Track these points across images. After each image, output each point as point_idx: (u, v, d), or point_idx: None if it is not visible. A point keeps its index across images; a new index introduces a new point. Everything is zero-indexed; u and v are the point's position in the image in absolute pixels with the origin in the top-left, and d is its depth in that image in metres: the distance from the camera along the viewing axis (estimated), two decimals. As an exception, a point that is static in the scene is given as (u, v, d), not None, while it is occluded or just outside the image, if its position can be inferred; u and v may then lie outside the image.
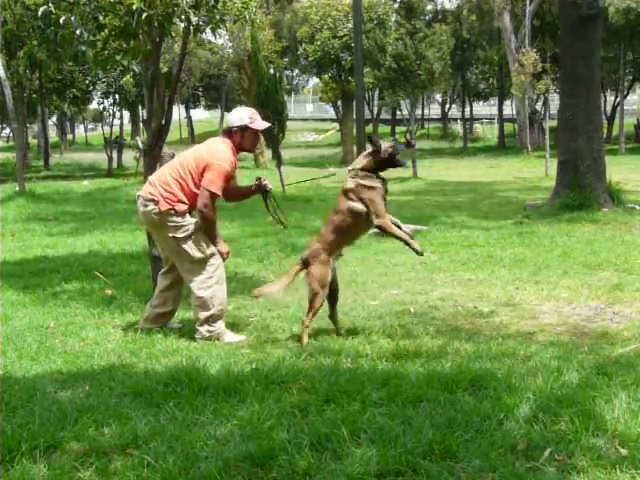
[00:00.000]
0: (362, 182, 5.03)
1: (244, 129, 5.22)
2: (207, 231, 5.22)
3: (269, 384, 3.82)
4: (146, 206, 5.23)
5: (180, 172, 5.19)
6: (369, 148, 5.20)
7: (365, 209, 5.00)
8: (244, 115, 5.27)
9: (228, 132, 5.26)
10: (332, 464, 2.87)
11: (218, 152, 5.17)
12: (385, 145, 5.11)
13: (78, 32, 5.76)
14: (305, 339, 4.98)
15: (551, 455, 2.90)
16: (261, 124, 5.33)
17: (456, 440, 3.01)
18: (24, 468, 2.91)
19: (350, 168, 5.20)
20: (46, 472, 2.91)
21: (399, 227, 5.13)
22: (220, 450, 3.02)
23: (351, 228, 5.11)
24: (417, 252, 5.07)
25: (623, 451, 2.93)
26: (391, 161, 5.11)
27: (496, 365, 4.08)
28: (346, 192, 5.08)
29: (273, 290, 5.24)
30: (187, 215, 5.21)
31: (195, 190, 5.16)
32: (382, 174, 5.14)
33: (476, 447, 2.96)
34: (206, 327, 5.21)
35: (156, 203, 5.16)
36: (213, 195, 5.11)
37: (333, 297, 5.24)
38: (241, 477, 2.83)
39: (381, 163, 5.09)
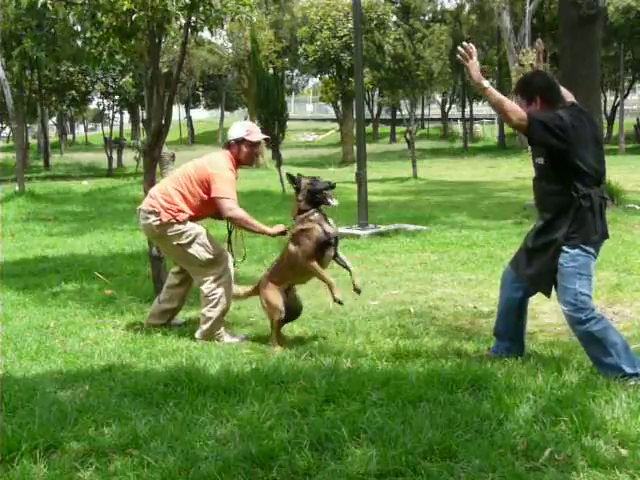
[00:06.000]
0: (298, 227, 5.00)
1: (241, 142, 5.30)
2: (250, 230, 5.26)
3: (269, 384, 3.82)
4: (147, 218, 5.26)
5: (181, 182, 5.25)
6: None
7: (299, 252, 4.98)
8: (241, 129, 5.38)
9: (227, 145, 5.36)
10: (332, 464, 2.87)
11: (220, 163, 5.25)
12: (304, 181, 5.03)
13: (75, 28, 5.78)
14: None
15: (551, 455, 2.90)
16: (257, 136, 5.40)
17: (456, 440, 3.01)
18: (24, 468, 2.91)
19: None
20: (46, 472, 2.91)
21: (345, 265, 5.07)
22: (220, 450, 3.02)
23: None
24: (334, 299, 4.92)
25: (623, 451, 2.93)
26: (312, 198, 4.98)
27: (496, 365, 4.08)
28: (291, 238, 5.08)
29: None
30: (188, 222, 5.23)
31: (195, 201, 5.20)
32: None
33: (476, 447, 2.96)
34: (208, 325, 5.24)
35: (157, 214, 5.19)
36: (229, 201, 5.12)
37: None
38: (241, 477, 2.83)
39: (306, 200, 4.99)
